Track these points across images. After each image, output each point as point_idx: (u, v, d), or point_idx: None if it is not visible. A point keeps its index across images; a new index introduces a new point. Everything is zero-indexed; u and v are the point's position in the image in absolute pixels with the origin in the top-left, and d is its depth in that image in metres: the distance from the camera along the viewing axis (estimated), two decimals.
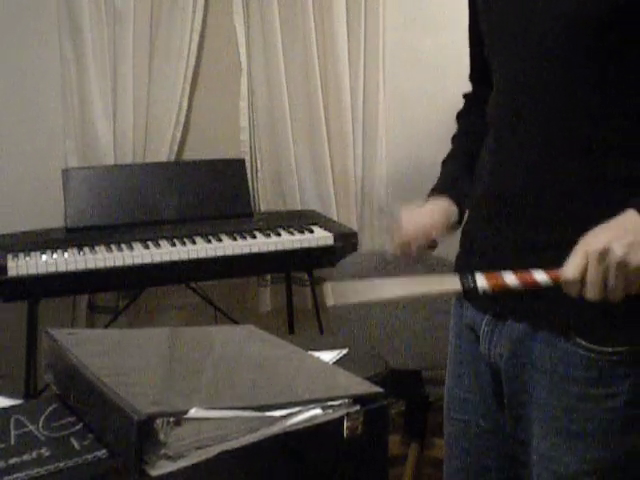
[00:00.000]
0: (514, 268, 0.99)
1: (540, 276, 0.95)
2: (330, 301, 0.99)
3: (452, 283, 1.01)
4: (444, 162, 1.32)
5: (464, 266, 1.19)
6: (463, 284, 0.99)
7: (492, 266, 1.08)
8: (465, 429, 1.21)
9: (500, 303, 1.08)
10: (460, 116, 1.37)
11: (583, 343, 1.02)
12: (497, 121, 1.12)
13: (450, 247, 1.26)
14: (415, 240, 1.20)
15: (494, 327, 1.12)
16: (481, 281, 0.99)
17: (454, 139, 1.35)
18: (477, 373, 1.18)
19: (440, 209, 1.23)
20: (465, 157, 1.30)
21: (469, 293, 1.00)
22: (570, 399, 1.03)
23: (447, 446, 1.26)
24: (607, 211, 0.94)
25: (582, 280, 0.91)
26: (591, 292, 0.90)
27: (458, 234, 1.24)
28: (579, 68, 1.00)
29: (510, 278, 0.97)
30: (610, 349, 1.00)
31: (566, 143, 1.02)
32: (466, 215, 1.23)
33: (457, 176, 1.28)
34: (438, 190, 1.27)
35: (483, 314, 1.14)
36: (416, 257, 1.22)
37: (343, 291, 1.01)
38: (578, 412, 1.03)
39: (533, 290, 0.97)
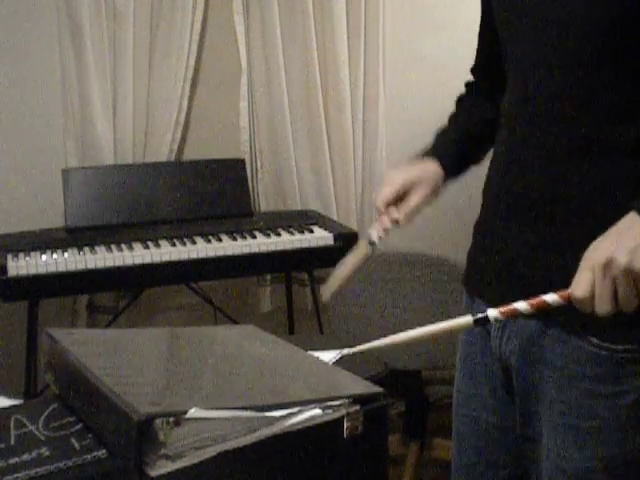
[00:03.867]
0: (527, 266, 0.97)
1: (551, 298, 0.94)
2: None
3: (464, 321, 1.00)
4: (437, 133, 1.33)
5: (476, 262, 1.19)
6: (476, 322, 1.00)
7: (505, 263, 1.08)
8: (474, 425, 1.21)
9: (512, 300, 1.08)
10: (460, 100, 1.37)
11: (594, 341, 1.01)
12: (511, 118, 1.12)
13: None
14: (397, 195, 1.21)
15: (505, 324, 1.12)
16: (493, 313, 0.99)
17: (451, 117, 1.35)
18: (487, 369, 1.18)
19: (426, 170, 1.24)
20: (459, 130, 1.31)
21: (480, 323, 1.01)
22: (580, 396, 1.03)
23: (455, 442, 1.26)
24: (625, 210, 0.93)
25: (592, 295, 0.89)
26: (602, 306, 0.88)
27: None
28: (593, 68, 1.00)
29: (522, 305, 0.96)
30: (621, 347, 1.00)
31: (581, 141, 1.02)
32: (479, 212, 1.22)
33: (448, 145, 1.29)
34: (426, 154, 1.28)
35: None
36: (399, 219, 1.21)
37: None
38: (588, 409, 1.03)
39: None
